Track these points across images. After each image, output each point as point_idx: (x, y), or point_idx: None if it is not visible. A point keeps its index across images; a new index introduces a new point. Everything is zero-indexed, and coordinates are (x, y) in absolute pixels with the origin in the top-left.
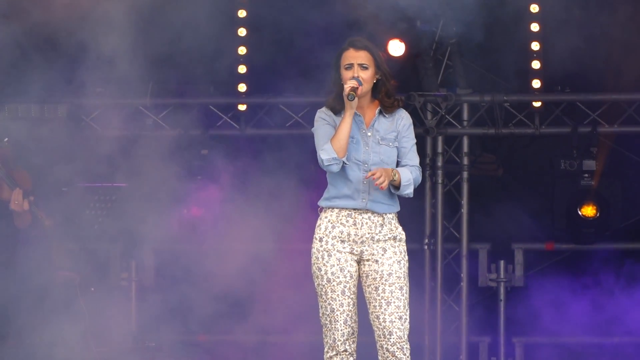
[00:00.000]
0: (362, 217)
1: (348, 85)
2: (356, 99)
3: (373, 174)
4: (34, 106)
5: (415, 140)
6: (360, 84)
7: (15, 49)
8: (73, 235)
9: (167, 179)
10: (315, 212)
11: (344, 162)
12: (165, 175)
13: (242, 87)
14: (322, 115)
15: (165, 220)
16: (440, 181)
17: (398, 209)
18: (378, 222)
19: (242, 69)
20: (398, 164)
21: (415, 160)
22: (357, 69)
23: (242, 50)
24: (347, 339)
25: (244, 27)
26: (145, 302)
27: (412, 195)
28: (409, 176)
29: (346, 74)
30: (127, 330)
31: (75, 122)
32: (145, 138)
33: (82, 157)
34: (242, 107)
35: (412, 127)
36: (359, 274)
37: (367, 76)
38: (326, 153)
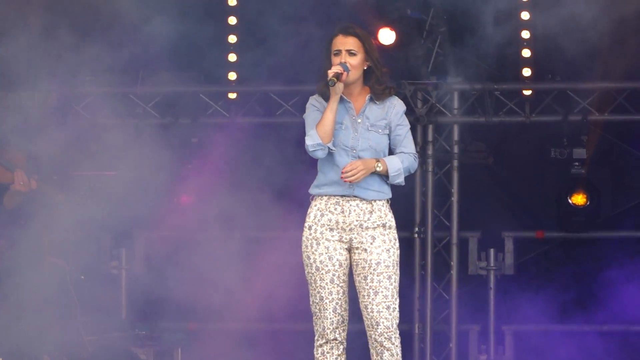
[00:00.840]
0: (350, 205)
1: (331, 70)
2: (339, 84)
3: (345, 173)
4: (24, 94)
5: (409, 127)
6: (346, 69)
7: (5, 37)
8: (63, 223)
9: (157, 167)
10: (306, 200)
11: (329, 148)
12: (155, 164)
13: (232, 76)
14: (313, 102)
15: (156, 208)
16: (430, 169)
17: (389, 196)
18: (366, 209)
19: (232, 57)
20: (392, 152)
21: (411, 147)
22: (345, 55)
23: (232, 38)
24: (336, 327)
25: (234, 16)
26: (135, 290)
27: (403, 184)
28: (399, 166)
29: (334, 60)
30: (117, 318)
31: (65, 111)
32: (135, 126)
33: (72, 146)
34: (232, 96)
35: (404, 114)
36: (350, 262)
37: (355, 62)
38: (311, 139)
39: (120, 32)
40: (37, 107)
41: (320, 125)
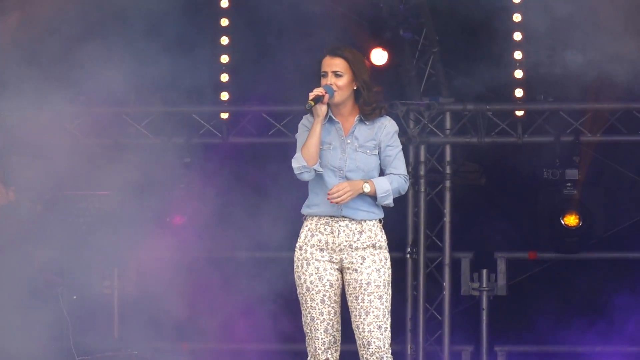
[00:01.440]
0: (339, 225)
1: (312, 93)
2: (320, 107)
3: (332, 196)
4: (16, 113)
5: (400, 148)
6: (329, 92)
7: None
8: (55, 242)
9: (150, 187)
10: (299, 220)
11: (315, 170)
12: (148, 184)
13: (224, 96)
14: (305, 122)
15: (148, 228)
16: (422, 190)
17: (380, 215)
18: (356, 229)
19: (224, 77)
20: (383, 172)
21: (401, 168)
22: (331, 77)
23: (224, 58)
24: (328, 348)
25: (226, 36)
26: (128, 310)
27: (392, 205)
28: (387, 187)
29: (322, 82)
30: (109, 338)
31: (57, 130)
32: (128, 146)
33: (64, 165)
34: (224, 116)
35: (397, 134)
36: (342, 282)
37: (342, 83)
38: (296, 161)
39: (113, 51)
40: (29, 126)
41: (304, 147)
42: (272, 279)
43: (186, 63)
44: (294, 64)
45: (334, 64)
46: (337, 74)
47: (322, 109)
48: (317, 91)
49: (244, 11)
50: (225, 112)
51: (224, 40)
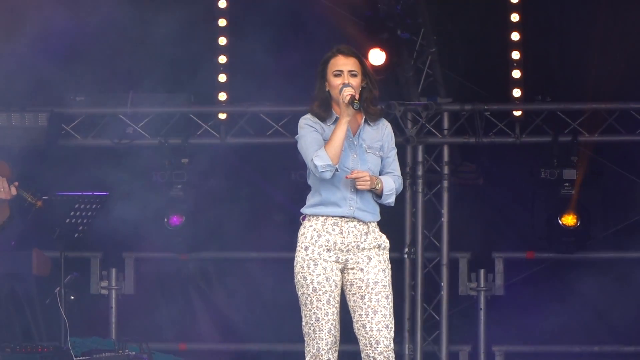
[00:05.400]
0: (349, 226)
1: (347, 92)
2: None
3: (358, 174)
4: (15, 114)
5: (396, 149)
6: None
7: None
8: (53, 243)
9: (148, 188)
10: (295, 220)
11: (336, 169)
12: (146, 184)
13: (222, 96)
14: (308, 122)
15: (146, 228)
16: (420, 190)
17: (379, 218)
18: (363, 230)
19: (222, 77)
20: (380, 173)
21: (399, 170)
22: (347, 76)
23: (222, 59)
24: (330, 348)
25: (224, 36)
26: (125, 311)
27: (392, 204)
28: (392, 185)
29: (335, 81)
30: (106, 338)
31: (55, 131)
32: (126, 147)
33: (62, 166)
34: (222, 116)
35: (394, 136)
36: (342, 282)
37: (356, 83)
38: (320, 159)
39: (110, 52)
40: (27, 127)
41: (330, 145)
42: (270, 279)
43: (184, 63)
44: (291, 65)
45: (349, 64)
46: (352, 74)
47: (351, 108)
48: (349, 91)
49: (241, 11)
50: (223, 112)
51: (222, 41)
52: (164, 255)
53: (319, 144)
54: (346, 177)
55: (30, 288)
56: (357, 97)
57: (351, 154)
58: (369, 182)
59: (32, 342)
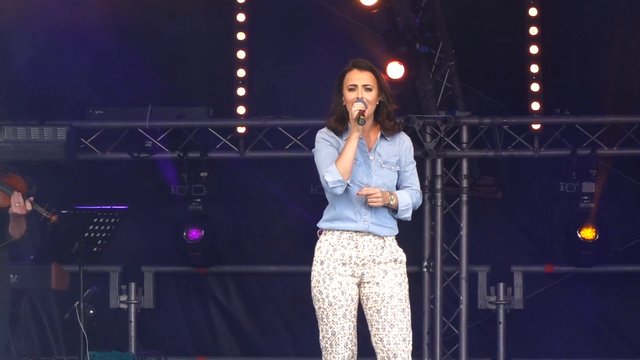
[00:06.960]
0: (364, 240)
1: (355, 108)
2: (366, 121)
3: (368, 191)
4: (34, 128)
5: (415, 163)
6: (365, 106)
7: (13, 69)
8: (72, 258)
9: (166, 202)
10: (313, 235)
11: (347, 184)
12: (165, 198)
13: (241, 110)
14: (324, 136)
15: (165, 242)
16: (439, 204)
17: (397, 232)
18: (379, 244)
19: (241, 91)
20: (398, 187)
21: (417, 184)
22: (362, 90)
23: (241, 72)
24: None
25: (243, 50)
26: (145, 325)
27: (410, 219)
28: (408, 200)
29: (349, 95)
30: (126, 352)
31: (74, 145)
32: (145, 161)
33: (81, 180)
34: (241, 130)
35: (412, 150)
36: (360, 296)
37: (371, 98)
38: (331, 175)
39: (129, 66)
40: (46, 142)
41: (340, 161)
42: (289, 293)
43: (202, 77)
44: (310, 78)
45: (364, 78)
46: (367, 88)
47: (367, 123)
48: (359, 106)
49: (260, 25)
50: (241, 126)
51: (241, 54)
52: (183, 269)
53: (332, 158)
54: (357, 194)
55: (49, 302)
56: (369, 111)
57: (366, 169)
58: (380, 199)
59: (52, 356)
